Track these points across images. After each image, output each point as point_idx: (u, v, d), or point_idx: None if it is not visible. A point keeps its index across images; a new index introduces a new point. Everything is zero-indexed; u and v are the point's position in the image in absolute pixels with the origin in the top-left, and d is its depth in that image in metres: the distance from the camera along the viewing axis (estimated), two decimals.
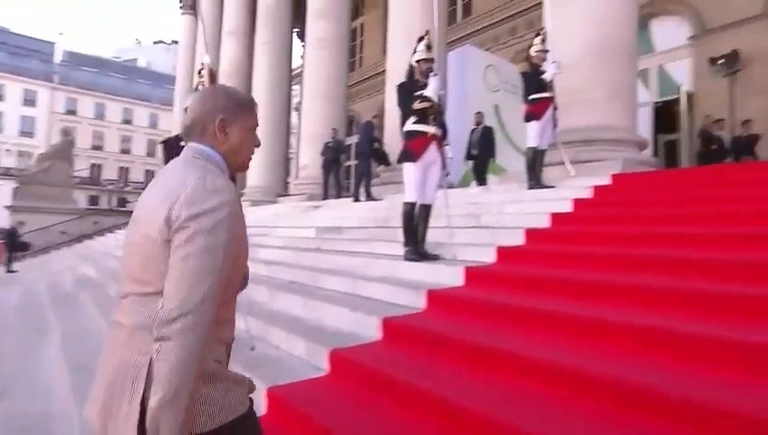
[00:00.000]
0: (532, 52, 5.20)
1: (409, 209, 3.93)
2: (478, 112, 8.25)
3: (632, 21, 5.81)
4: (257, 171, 13.05)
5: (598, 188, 4.39)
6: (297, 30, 17.20)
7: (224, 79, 15.13)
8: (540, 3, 6.41)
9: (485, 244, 3.87)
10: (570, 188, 4.67)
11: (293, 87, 16.97)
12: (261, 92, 13.44)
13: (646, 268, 2.67)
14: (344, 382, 2.34)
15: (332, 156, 9.70)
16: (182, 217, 0.94)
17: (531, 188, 5.08)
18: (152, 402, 0.87)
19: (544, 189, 4.90)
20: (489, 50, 12.25)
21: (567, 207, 4.16)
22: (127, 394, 0.93)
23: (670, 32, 10.36)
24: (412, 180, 3.91)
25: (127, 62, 47.20)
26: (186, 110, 1.18)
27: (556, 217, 3.99)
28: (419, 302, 3.04)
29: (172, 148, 2.55)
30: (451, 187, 5.94)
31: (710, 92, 9.42)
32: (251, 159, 1.19)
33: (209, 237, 0.94)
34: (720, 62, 9.07)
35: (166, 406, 0.87)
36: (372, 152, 8.21)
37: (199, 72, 2.92)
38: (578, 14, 5.53)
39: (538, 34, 5.32)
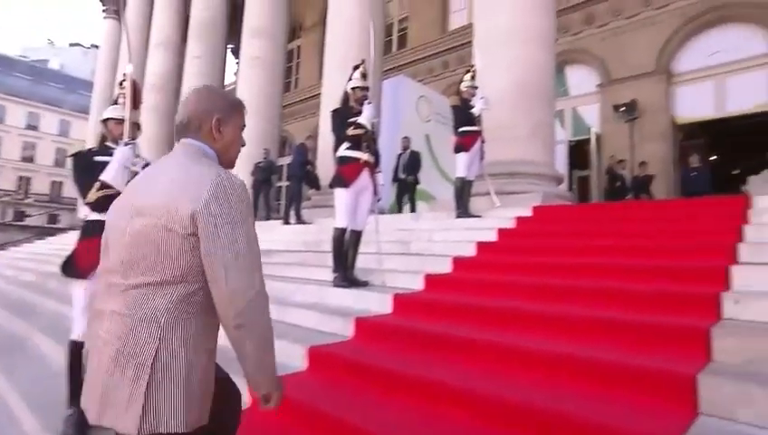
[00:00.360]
0: (463, 87, 5.48)
1: (340, 235, 3.90)
2: (405, 137, 8.47)
3: (550, 66, 6.34)
4: None
5: (520, 219, 4.65)
6: (232, 46, 16.87)
7: (150, 92, 14.37)
8: (470, 41, 6.79)
9: (414, 271, 3.93)
10: (495, 218, 4.91)
11: None
12: None
13: (560, 297, 2.85)
14: (266, 414, 2.22)
15: (263, 176, 9.48)
16: (209, 211, 1.00)
17: (459, 216, 5.27)
18: (248, 369, 1.06)
19: (471, 218, 5.11)
20: (422, 81, 12.75)
21: (492, 237, 4.36)
22: (126, 389, 0.97)
23: (582, 78, 11.44)
24: (343, 206, 3.90)
25: (36, 62, 43.20)
26: (180, 108, 1.22)
27: (482, 246, 4.15)
28: (347, 330, 3.00)
29: (85, 162, 2.34)
30: (382, 213, 6.00)
31: (615, 135, 10.46)
32: (238, 156, 1.27)
33: (243, 224, 1.04)
34: (622, 109, 10.12)
35: (259, 369, 1.07)
36: (304, 175, 8.13)
37: (120, 84, 2.73)
38: (503, 57, 5.94)
39: (468, 71, 5.63)
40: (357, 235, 4.02)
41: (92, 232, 2.26)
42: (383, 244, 4.62)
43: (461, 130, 5.28)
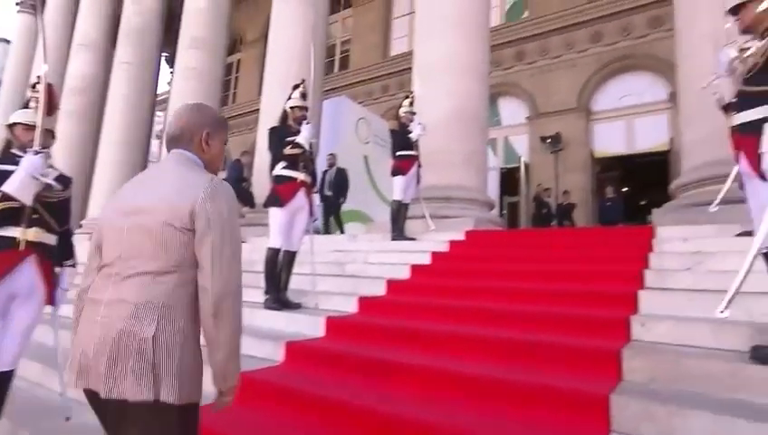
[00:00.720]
0: (401, 112, 5.62)
1: (273, 255, 3.80)
2: (331, 154, 8.48)
3: (484, 97, 6.68)
4: (102, 200, 11.54)
5: (453, 243, 4.79)
6: (167, 54, 16.19)
7: (70, 96, 13.37)
8: (410, 68, 7.01)
9: (348, 293, 3.90)
10: (429, 242, 5.01)
11: (158, 113, 15.71)
12: (117, 115, 12.14)
13: (488, 320, 2.95)
14: None
15: None
16: (206, 211, 1.16)
17: (394, 239, 5.33)
18: (216, 359, 1.15)
19: (407, 241, 5.19)
20: (362, 103, 12.93)
21: (426, 260, 4.44)
22: (133, 364, 1.07)
23: (513, 110, 12.17)
24: (278, 225, 3.82)
25: None
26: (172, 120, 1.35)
27: (416, 269, 4.22)
28: (277, 354, 2.90)
29: None
30: (318, 233, 5.94)
31: (542, 164, 11.17)
32: (219, 168, 1.41)
33: (231, 224, 1.20)
34: (548, 140, 10.86)
35: (228, 359, 1.16)
36: (239, 192, 7.88)
37: (33, 86, 2.52)
38: (441, 86, 6.18)
39: (407, 97, 5.79)
40: (291, 255, 3.94)
41: None
42: (318, 265, 4.55)
43: (398, 153, 5.39)
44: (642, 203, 13.07)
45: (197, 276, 1.17)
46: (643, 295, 2.95)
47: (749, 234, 2.71)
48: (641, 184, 12.59)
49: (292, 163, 3.88)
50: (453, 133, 6.08)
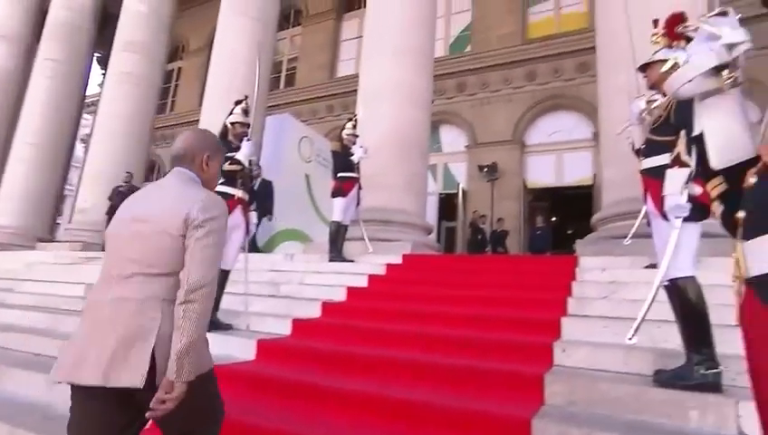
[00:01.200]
0: (344, 134, 5.67)
1: None
2: (257, 165, 8.27)
3: (426, 124, 6.92)
4: (11, 206, 10.52)
5: (390, 266, 4.85)
6: (99, 55, 15.31)
7: None
8: (356, 90, 7.13)
9: (282, 315, 3.82)
10: (366, 264, 5.04)
11: (86, 116, 14.73)
12: (36, 115, 11.25)
13: (421, 345, 3.00)
14: None
15: (122, 202, 8.51)
16: (198, 219, 1.31)
17: (332, 260, 5.30)
18: (178, 347, 1.21)
19: (344, 263, 5.18)
20: (306, 122, 12.90)
21: (363, 283, 4.46)
22: (136, 350, 1.22)
23: (454, 138, 12.66)
24: None
25: None
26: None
27: (352, 292, 4.21)
28: None
29: None
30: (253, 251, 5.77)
31: (478, 192, 11.65)
32: (215, 187, 1.63)
33: (217, 233, 1.35)
34: (485, 169, 11.37)
35: (189, 349, 1.22)
36: None
37: None
38: (384, 112, 6.33)
39: (351, 119, 5.86)
40: (224, 274, 3.79)
41: None
42: (252, 285, 4.42)
43: (340, 175, 5.42)
44: (569, 232, 13.95)
45: (181, 273, 1.30)
46: (565, 322, 3.14)
47: (655, 266, 2.98)
48: (569, 214, 13.45)
49: (230, 180, 3.78)
50: (394, 157, 6.21)
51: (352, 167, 5.46)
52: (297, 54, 15.92)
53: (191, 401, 1.25)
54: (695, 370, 2.14)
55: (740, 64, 0.84)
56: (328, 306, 3.90)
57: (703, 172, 0.88)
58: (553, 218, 13.62)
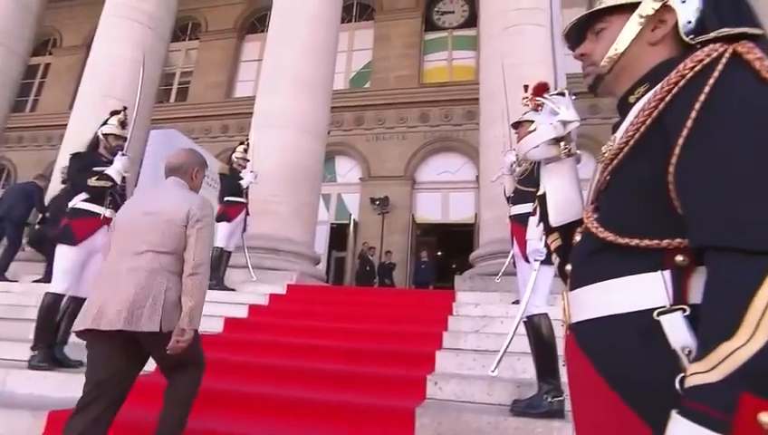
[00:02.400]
0: (234, 157, 5.47)
1: (53, 302, 3.17)
2: (64, 166, 7.54)
3: (320, 155, 6.96)
4: None
5: (273, 297, 4.69)
6: None
7: None
8: (252, 113, 6.95)
9: None
10: (249, 294, 4.82)
11: None
12: None
13: (295, 380, 2.92)
14: None
15: None
16: (197, 215, 1.89)
17: (211, 287, 4.95)
18: (190, 305, 1.77)
19: (224, 292, 4.88)
20: (198, 140, 12.19)
21: (242, 313, 4.24)
22: (148, 307, 1.73)
23: (349, 169, 12.89)
24: (66, 267, 3.23)
25: None
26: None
27: (229, 323, 3.98)
28: (37, 428, 2.35)
29: None
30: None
31: (369, 224, 11.92)
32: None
33: (211, 226, 1.93)
34: (377, 202, 11.71)
35: (196, 307, 1.79)
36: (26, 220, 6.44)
37: None
38: (278, 139, 6.26)
39: (242, 143, 5.68)
40: (78, 303, 3.32)
41: None
42: None
43: (227, 199, 5.18)
44: (453, 266, 14.85)
45: (185, 254, 1.85)
46: (439, 355, 3.29)
47: (519, 302, 3.28)
48: (453, 250, 14.33)
49: (98, 197, 3.39)
50: (284, 185, 6.13)
51: (240, 191, 5.26)
52: (192, 69, 15.13)
53: (190, 344, 1.78)
54: (543, 398, 2.37)
55: (572, 138, 0.98)
56: (202, 338, 3.61)
57: (544, 227, 1.00)
58: (439, 253, 14.39)
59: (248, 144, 5.65)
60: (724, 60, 0.64)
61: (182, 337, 1.72)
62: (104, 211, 3.38)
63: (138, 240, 1.84)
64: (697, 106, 0.63)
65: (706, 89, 0.63)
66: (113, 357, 1.81)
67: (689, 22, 0.74)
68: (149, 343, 1.78)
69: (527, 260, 2.65)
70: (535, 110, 1.12)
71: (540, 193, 1.02)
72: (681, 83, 0.66)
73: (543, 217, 0.99)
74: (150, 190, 2.25)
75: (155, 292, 1.75)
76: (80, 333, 1.85)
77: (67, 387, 2.81)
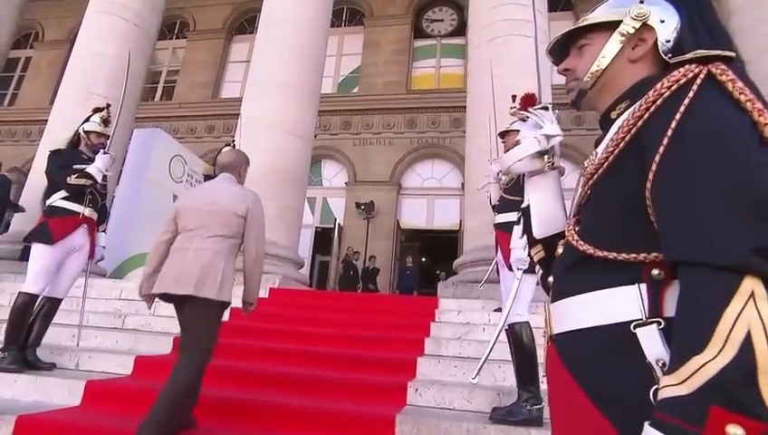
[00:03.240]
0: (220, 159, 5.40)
1: (26, 302, 3.08)
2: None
3: (305, 159, 6.93)
4: None
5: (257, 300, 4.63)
6: None
7: None
8: (238, 114, 6.89)
9: (124, 351, 3.39)
10: (233, 297, 4.74)
11: None
12: None
13: (276, 385, 2.88)
14: None
15: None
16: (253, 209, 2.32)
17: None
18: (253, 280, 2.36)
19: None
20: (183, 140, 12.06)
21: (224, 316, 4.16)
22: (211, 279, 2.17)
23: (335, 173, 12.87)
24: (41, 266, 3.14)
25: None
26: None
27: None
28: (4, 433, 2.27)
29: None
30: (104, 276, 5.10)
31: (354, 228, 11.90)
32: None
33: (263, 217, 2.39)
34: (362, 207, 11.70)
35: (256, 284, 2.38)
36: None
37: None
38: (263, 142, 6.21)
39: (228, 144, 5.61)
40: (53, 304, 3.25)
41: None
42: (91, 315, 3.88)
43: None
44: (437, 272, 14.90)
45: (245, 241, 2.32)
46: (421, 362, 3.28)
47: (501, 310, 3.30)
48: (437, 256, 14.39)
49: (77, 195, 3.32)
50: (268, 188, 6.06)
51: None
52: (179, 67, 14.96)
53: (203, 322, 2.24)
54: (522, 406, 2.38)
55: (555, 152, 0.99)
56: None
57: (528, 239, 1.01)
58: (423, 259, 14.43)
59: (234, 145, 5.58)
60: (699, 81, 0.66)
61: (251, 306, 2.46)
62: (83, 210, 3.32)
63: (203, 226, 2.27)
64: (673, 125, 0.64)
65: (681, 108, 0.65)
66: (181, 315, 2.34)
67: (668, 41, 0.77)
68: (195, 307, 2.18)
69: (511, 268, 2.67)
70: (522, 120, 1.13)
71: (523, 206, 1.03)
72: (658, 102, 0.68)
73: (527, 230, 1.01)
74: (206, 184, 2.52)
75: (216, 269, 2.20)
76: (160, 296, 2.33)
77: (37, 390, 2.74)
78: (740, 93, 0.63)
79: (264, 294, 4.87)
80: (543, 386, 2.46)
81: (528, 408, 2.37)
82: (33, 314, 3.15)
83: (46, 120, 7.85)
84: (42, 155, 6.94)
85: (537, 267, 1.00)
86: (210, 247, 2.22)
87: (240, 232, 2.30)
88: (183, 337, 2.30)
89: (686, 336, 0.57)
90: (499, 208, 3.05)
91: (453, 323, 4.19)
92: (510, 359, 2.69)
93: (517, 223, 2.99)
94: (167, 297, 2.26)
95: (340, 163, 12.87)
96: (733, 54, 0.71)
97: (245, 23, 14.92)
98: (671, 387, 0.55)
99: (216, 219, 2.26)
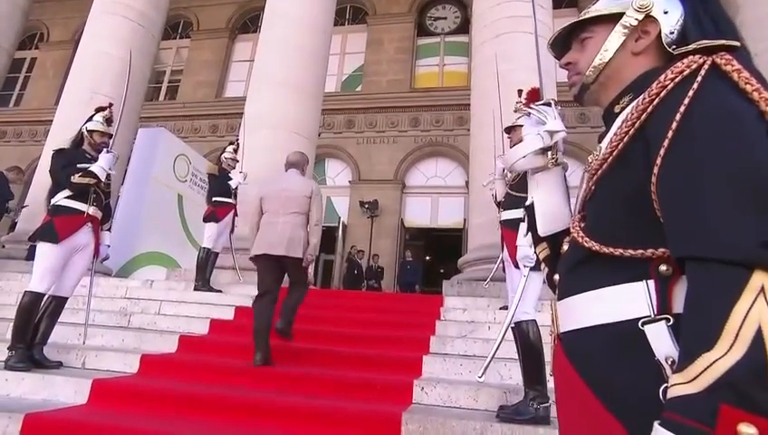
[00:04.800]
0: (224, 157, 5.41)
1: (32, 301, 3.09)
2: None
3: (310, 156, 6.91)
4: None
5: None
6: None
7: None
8: (241, 113, 6.90)
9: (130, 350, 3.40)
10: (235, 296, 4.76)
11: None
12: None
13: (282, 384, 2.88)
14: None
15: None
16: (315, 191, 3.46)
17: (197, 289, 4.91)
18: (314, 242, 3.37)
19: (211, 293, 4.83)
20: (187, 139, 12.09)
21: (229, 315, 4.19)
22: (296, 244, 3.28)
23: (339, 172, 12.86)
24: (47, 265, 3.15)
25: None
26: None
27: (216, 324, 3.93)
28: (13, 431, 2.28)
29: None
30: (108, 275, 5.13)
31: (358, 227, 11.90)
32: None
33: (321, 197, 3.53)
34: (366, 205, 11.70)
35: (317, 244, 3.42)
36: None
37: None
38: (267, 140, 6.22)
39: (232, 143, 5.62)
40: (59, 302, 3.27)
41: None
42: (97, 314, 3.90)
43: (215, 199, 5.13)
44: (441, 271, 14.87)
45: (310, 212, 3.36)
46: (426, 360, 3.27)
47: (507, 308, 3.28)
48: (442, 254, 14.37)
49: (81, 194, 3.33)
50: None
51: (229, 192, 5.21)
52: (182, 67, 15.00)
53: (305, 270, 3.38)
54: (529, 404, 2.37)
55: (559, 148, 0.98)
56: (186, 340, 3.57)
57: (533, 236, 1.00)
58: (427, 257, 14.41)
59: (238, 144, 5.60)
60: (703, 71, 0.64)
61: (311, 259, 3.33)
62: (88, 209, 3.32)
63: (284, 206, 3.32)
64: (677, 118, 0.63)
65: (686, 100, 0.63)
66: (273, 271, 3.31)
67: (671, 33, 0.75)
68: (292, 263, 3.28)
69: (517, 266, 2.65)
70: (528, 115, 1.11)
71: (528, 203, 1.02)
72: (662, 95, 0.66)
73: (532, 227, 0.99)
74: (281, 176, 3.56)
75: (298, 236, 3.26)
76: (254, 258, 3.30)
77: (45, 388, 2.75)
78: (746, 83, 0.62)
79: None
80: (550, 384, 2.44)
81: (535, 406, 2.36)
82: (40, 313, 3.16)
83: (52, 121, 7.90)
84: (47, 155, 6.98)
85: (543, 265, 0.99)
86: (290, 221, 3.28)
87: (307, 209, 3.36)
88: (291, 280, 3.47)
89: (695, 333, 0.55)
90: (505, 205, 3.03)
91: (458, 321, 4.18)
92: (516, 357, 2.67)
93: (523, 220, 2.99)
94: (264, 257, 3.23)
95: (343, 162, 12.87)
96: (738, 44, 0.69)
97: (249, 22, 14.94)
98: (680, 385, 0.54)
99: (292, 201, 3.33)
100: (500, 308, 4.29)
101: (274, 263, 3.24)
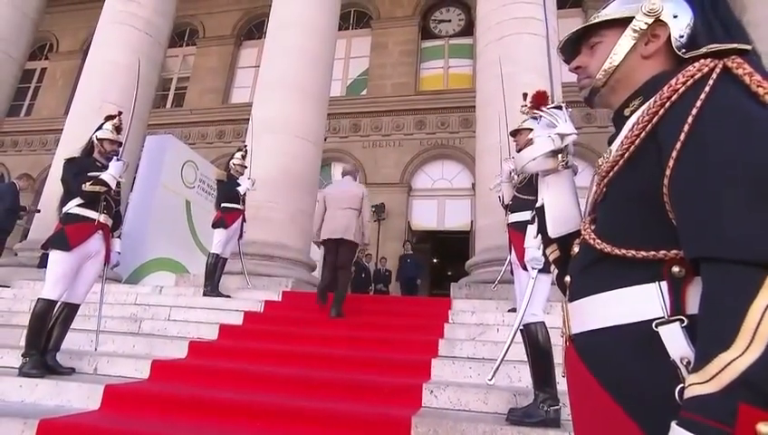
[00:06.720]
0: (232, 163, 5.45)
1: (45, 308, 3.13)
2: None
3: (316, 162, 6.96)
4: None
5: (269, 303, 4.66)
6: None
7: None
8: (248, 119, 6.95)
9: (141, 355, 3.43)
10: (244, 301, 4.79)
11: None
12: None
13: (291, 389, 2.89)
14: None
15: None
16: (365, 193, 4.73)
17: (206, 294, 4.94)
18: (366, 232, 4.76)
19: (220, 298, 4.86)
20: (194, 145, 12.19)
21: (238, 320, 4.21)
22: (352, 230, 4.52)
23: None
24: (59, 272, 3.19)
25: None
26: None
27: (225, 330, 3.95)
28: None
29: None
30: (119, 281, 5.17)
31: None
32: None
33: (368, 199, 4.85)
34: (373, 209, 11.69)
35: (369, 235, 5.66)
36: (9, 223, 6.37)
37: None
38: (274, 146, 6.26)
39: (240, 149, 5.66)
40: (72, 309, 3.31)
41: None
42: (108, 320, 3.93)
43: (224, 205, 5.16)
44: (449, 274, 14.82)
45: (362, 210, 4.59)
46: (435, 363, 3.27)
47: (515, 311, 3.28)
48: (449, 257, 14.33)
49: (92, 202, 3.37)
50: (280, 192, 6.12)
51: (238, 198, 5.24)
52: (189, 74, 15.13)
53: (352, 255, 4.71)
54: (539, 407, 2.36)
55: (570, 151, 0.98)
56: (196, 345, 3.60)
57: (543, 239, 1.00)
58: (435, 260, 14.38)
59: (246, 151, 5.64)
60: (714, 75, 0.65)
61: (367, 243, 4.46)
62: (98, 216, 3.36)
63: (343, 203, 4.45)
64: (689, 120, 0.63)
65: (698, 103, 0.63)
66: (333, 251, 4.43)
67: (681, 36, 0.76)
68: (346, 246, 4.42)
69: (525, 268, 2.65)
70: (534, 118, 1.12)
71: (538, 205, 1.02)
72: (673, 98, 0.67)
73: (542, 229, 0.99)
74: (339, 182, 4.77)
75: (354, 225, 4.40)
76: (322, 241, 4.49)
77: (58, 394, 2.78)
78: (758, 86, 0.62)
79: (276, 297, 4.90)
80: (560, 387, 2.43)
81: (545, 409, 2.35)
82: (53, 320, 3.20)
83: (62, 130, 8.01)
84: (58, 163, 7.07)
85: (552, 267, 0.99)
86: (347, 214, 4.42)
87: (359, 206, 4.51)
88: (339, 261, 4.48)
89: (711, 333, 0.56)
90: (512, 208, 3.03)
91: (467, 323, 4.17)
92: (525, 359, 2.67)
93: (531, 222, 2.99)
94: (328, 240, 4.41)
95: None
96: (749, 47, 0.69)
97: (254, 28, 15.05)
98: (698, 385, 0.54)
99: (348, 200, 4.46)
100: (508, 310, 4.28)
101: (334, 244, 4.44)
